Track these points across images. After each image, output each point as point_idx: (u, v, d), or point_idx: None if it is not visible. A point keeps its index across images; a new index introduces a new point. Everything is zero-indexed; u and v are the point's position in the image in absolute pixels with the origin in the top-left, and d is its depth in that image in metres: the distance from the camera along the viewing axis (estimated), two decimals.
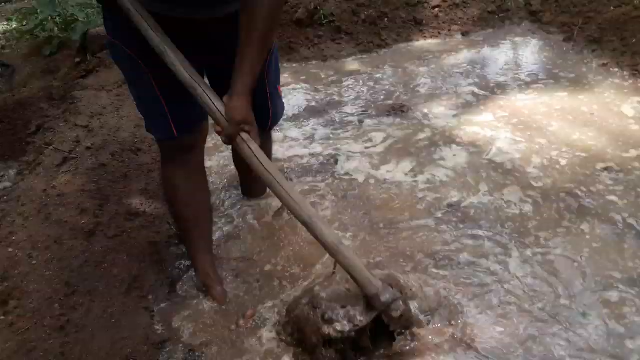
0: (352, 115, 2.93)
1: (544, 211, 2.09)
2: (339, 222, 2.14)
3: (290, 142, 2.71)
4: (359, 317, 1.49)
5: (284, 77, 3.49)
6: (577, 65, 3.28)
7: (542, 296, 1.73)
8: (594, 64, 3.25)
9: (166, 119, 1.62)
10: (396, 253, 1.94)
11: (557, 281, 1.78)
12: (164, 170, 1.83)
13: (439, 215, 2.12)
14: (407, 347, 1.56)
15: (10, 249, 1.90)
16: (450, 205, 2.17)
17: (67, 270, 1.80)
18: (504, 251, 1.93)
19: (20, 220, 2.06)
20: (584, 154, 2.40)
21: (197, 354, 1.69)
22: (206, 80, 1.58)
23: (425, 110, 2.92)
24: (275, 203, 2.25)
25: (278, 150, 2.58)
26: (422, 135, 2.67)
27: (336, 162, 2.52)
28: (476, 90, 3.10)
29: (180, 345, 1.71)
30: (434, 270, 1.85)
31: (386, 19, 3.89)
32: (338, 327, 1.48)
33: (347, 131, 2.78)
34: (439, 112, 2.90)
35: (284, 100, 1.98)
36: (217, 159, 2.64)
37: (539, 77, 3.17)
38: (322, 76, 3.48)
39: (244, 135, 1.45)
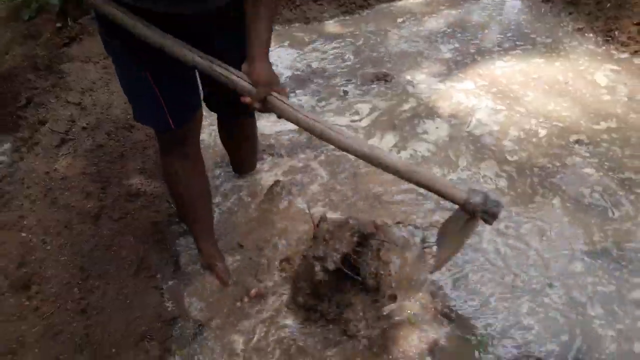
0: (337, 85, 3.02)
1: (518, 186, 2.27)
2: (331, 195, 2.29)
3: (275, 121, 2.80)
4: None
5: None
6: (554, 28, 3.38)
7: (511, 268, 1.94)
8: (569, 27, 3.35)
9: (163, 111, 1.65)
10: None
11: (526, 254, 1.99)
12: (162, 159, 1.90)
13: (421, 190, 2.28)
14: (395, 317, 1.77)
15: (23, 234, 2.03)
16: None
17: (79, 254, 1.94)
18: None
19: (27, 204, 2.17)
20: (558, 125, 2.56)
21: (206, 328, 1.88)
22: None
23: (408, 78, 3.02)
24: (265, 179, 2.39)
25: (265, 125, 2.67)
26: (406, 106, 2.79)
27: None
28: (457, 56, 3.20)
29: (191, 321, 1.89)
30: None
31: None
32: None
33: (332, 103, 2.87)
34: (422, 79, 3.00)
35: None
36: (209, 132, 2.73)
37: (517, 43, 3.27)
38: (306, 40, 3.51)
39: (274, 94, 1.48)
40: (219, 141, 2.51)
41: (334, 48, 3.39)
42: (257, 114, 2.19)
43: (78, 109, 2.64)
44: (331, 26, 3.64)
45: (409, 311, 1.76)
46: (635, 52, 2.95)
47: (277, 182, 2.37)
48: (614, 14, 3.18)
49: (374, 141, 2.56)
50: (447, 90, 2.88)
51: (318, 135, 1.52)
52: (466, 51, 3.24)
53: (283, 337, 1.80)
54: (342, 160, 2.45)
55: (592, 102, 2.68)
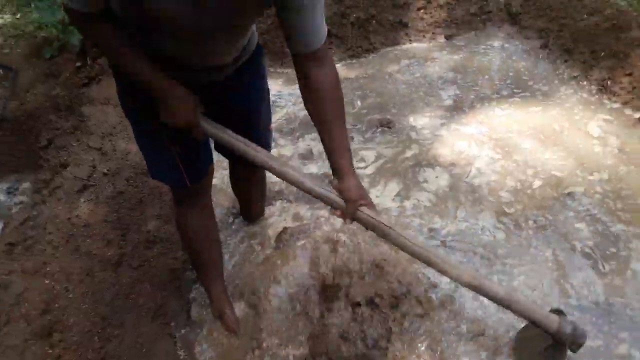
0: None
1: (513, 238, 2.39)
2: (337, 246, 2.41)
3: (286, 161, 2.95)
4: None
5: (278, 84, 3.70)
6: (550, 76, 3.52)
7: (503, 321, 2.06)
8: (565, 75, 3.49)
9: (179, 170, 1.75)
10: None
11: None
12: (176, 212, 2.01)
13: (422, 239, 2.42)
14: None
15: (47, 281, 2.17)
16: (431, 230, 2.46)
17: (101, 303, 2.07)
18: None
19: (50, 250, 2.31)
20: (553, 175, 2.69)
21: None
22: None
23: (411, 124, 3.17)
24: (273, 228, 2.52)
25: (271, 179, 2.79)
26: (408, 153, 2.93)
27: (331, 183, 2.77)
28: (457, 102, 3.35)
29: None
30: None
31: (374, 21, 4.05)
32: None
33: None
34: (423, 126, 3.15)
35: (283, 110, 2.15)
36: (221, 176, 2.86)
37: (515, 90, 3.41)
38: None
39: (363, 208, 1.57)
40: (229, 185, 2.65)
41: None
42: None
43: (99, 154, 2.79)
44: (339, 70, 3.75)
45: None
46: (626, 102, 3.09)
47: (285, 230, 2.50)
48: (607, 64, 3.33)
49: (378, 189, 2.70)
50: (447, 138, 3.02)
51: (411, 253, 1.65)
52: (466, 97, 3.39)
53: None
54: None
55: (585, 154, 2.81)
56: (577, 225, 2.43)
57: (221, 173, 2.88)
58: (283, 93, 3.63)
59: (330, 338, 2.02)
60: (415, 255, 1.66)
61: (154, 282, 2.23)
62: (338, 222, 2.46)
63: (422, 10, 4.18)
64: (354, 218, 1.58)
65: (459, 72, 3.66)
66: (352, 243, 2.34)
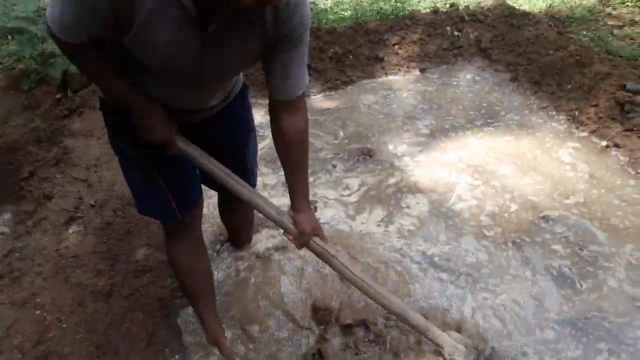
0: (325, 159, 3.26)
1: (495, 259, 2.50)
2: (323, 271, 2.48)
3: (270, 190, 3.00)
4: None
5: (261, 115, 3.78)
6: (520, 106, 3.72)
7: (489, 337, 2.14)
8: (535, 105, 3.70)
9: (169, 204, 1.77)
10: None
11: (502, 323, 2.20)
12: (167, 245, 1.99)
13: (408, 262, 2.50)
14: None
15: (37, 312, 2.16)
16: (418, 251, 2.55)
17: (94, 332, 2.07)
18: (462, 294, 2.33)
19: (39, 281, 2.30)
20: (529, 200, 2.83)
21: None
22: None
23: (391, 153, 3.28)
24: (261, 254, 2.56)
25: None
26: (390, 181, 3.03)
27: (315, 209, 2.84)
28: (434, 132, 3.49)
29: None
30: None
31: (351, 56, 4.21)
32: None
33: (322, 177, 3.09)
34: (403, 154, 3.27)
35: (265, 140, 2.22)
36: (207, 204, 2.90)
37: (488, 120, 3.58)
38: None
39: (315, 238, 1.75)
40: (217, 213, 2.68)
41: (322, 122, 3.65)
42: None
43: (85, 185, 2.80)
44: (318, 101, 3.91)
45: None
46: (593, 131, 3.28)
47: (272, 256, 2.55)
48: (574, 95, 3.54)
49: (364, 216, 2.78)
50: (427, 166, 3.14)
51: (349, 281, 1.86)
52: (442, 127, 3.54)
53: None
54: (334, 234, 2.66)
55: (559, 179, 2.96)
56: (554, 246, 2.56)
57: (207, 201, 2.92)
58: (264, 123, 3.71)
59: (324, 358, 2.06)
60: (354, 284, 1.87)
61: (145, 310, 2.24)
62: None
63: (396, 46, 4.37)
64: (306, 246, 1.77)
65: (434, 103, 3.82)
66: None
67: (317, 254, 1.80)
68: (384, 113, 3.74)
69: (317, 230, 1.75)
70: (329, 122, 3.64)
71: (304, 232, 1.70)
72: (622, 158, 3.08)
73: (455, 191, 2.92)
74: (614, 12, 5.08)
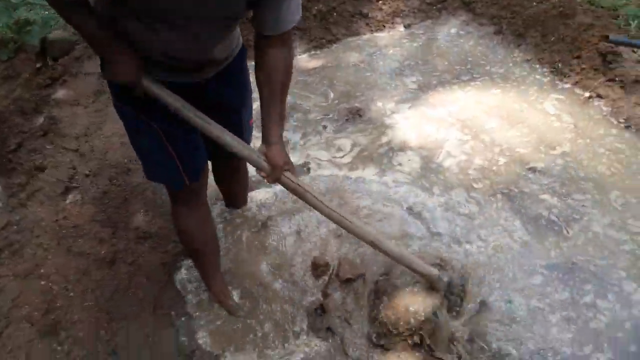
0: (315, 120, 3.27)
1: (485, 210, 2.58)
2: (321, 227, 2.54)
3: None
4: None
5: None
6: (505, 59, 3.74)
7: (480, 283, 2.24)
8: (519, 59, 3.72)
9: (178, 170, 1.78)
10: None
11: (492, 271, 2.31)
12: (175, 212, 2.02)
13: (406, 216, 2.57)
14: None
15: (42, 282, 2.19)
16: (415, 203, 2.64)
17: (102, 299, 2.12)
18: (458, 245, 2.43)
19: (41, 252, 2.33)
20: (517, 152, 2.90)
21: (221, 358, 2.09)
22: None
23: (380, 111, 3.31)
24: (259, 214, 2.61)
25: (253, 171, 2.86)
26: (381, 140, 3.07)
27: (308, 170, 2.88)
28: (422, 88, 3.51)
29: (207, 354, 2.10)
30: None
31: (335, 14, 4.16)
32: None
33: (314, 139, 3.12)
34: (393, 112, 3.29)
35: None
36: None
37: (474, 75, 3.61)
38: None
39: (287, 173, 1.73)
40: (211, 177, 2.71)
41: (309, 82, 3.65)
42: None
43: (77, 155, 2.79)
44: (304, 61, 3.89)
45: None
46: (576, 82, 3.34)
47: (270, 217, 2.60)
48: (557, 47, 3.58)
49: (357, 173, 2.84)
50: (416, 123, 3.18)
51: (324, 214, 1.85)
52: (429, 83, 3.56)
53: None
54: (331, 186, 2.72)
55: (545, 130, 3.03)
56: (542, 196, 2.64)
57: None
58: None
59: (327, 312, 2.15)
60: (328, 217, 1.87)
61: (149, 275, 2.29)
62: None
63: (380, 1, 4.33)
64: (277, 181, 1.74)
65: (420, 59, 3.83)
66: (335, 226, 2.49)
67: (291, 190, 1.79)
68: (371, 71, 3.75)
69: (288, 165, 1.73)
70: (316, 82, 3.64)
71: (276, 166, 1.69)
72: (604, 108, 3.15)
73: (444, 147, 2.98)
74: None
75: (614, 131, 2.98)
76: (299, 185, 1.77)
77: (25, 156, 2.96)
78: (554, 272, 2.31)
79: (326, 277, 2.33)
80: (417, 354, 1.99)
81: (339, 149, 3.02)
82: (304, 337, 2.14)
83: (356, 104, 3.37)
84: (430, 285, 2.05)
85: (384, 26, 4.23)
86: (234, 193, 2.61)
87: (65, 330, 1.99)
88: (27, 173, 2.85)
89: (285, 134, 3.14)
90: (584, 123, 3.06)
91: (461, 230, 2.49)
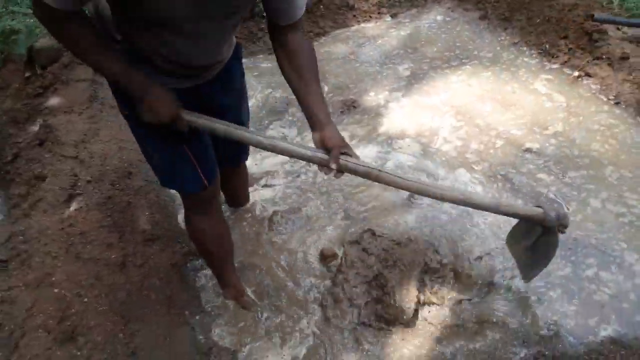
0: None
1: (488, 190, 2.64)
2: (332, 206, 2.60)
3: (262, 151, 3.02)
4: None
5: None
6: (492, 43, 3.80)
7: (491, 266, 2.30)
8: (506, 42, 3.78)
9: (196, 172, 1.75)
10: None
11: (496, 245, 2.38)
12: (192, 219, 1.99)
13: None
14: None
15: (55, 290, 2.19)
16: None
17: (116, 302, 2.13)
18: (469, 219, 2.49)
19: (50, 261, 2.32)
20: (512, 134, 2.95)
21: (239, 353, 2.12)
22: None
23: (374, 102, 3.34)
24: (263, 211, 2.63)
25: (252, 166, 2.88)
26: (379, 129, 3.11)
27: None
28: (413, 75, 3.55)
29: (224, 350, 2.12)
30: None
31: (322, 7, 4.18)
32: None
33: (309, 135, 3.12)
34: (387, 101, 3.33)
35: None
36: None
37: (463, 60, 3.66)
38: (274, 71, 3.76)
39: (348, 157, 1.56)
40: None
41: None
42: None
43: (77, 162, 2.78)
44: None
45: None
46: (564, 62, 3.40)
47: (275, 212, 2.63)
48: (543, 28, 3.63)
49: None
50: (411, 110, 3.22)
51: (405, 188, 1.69)
52: (421, 70, 3.60)
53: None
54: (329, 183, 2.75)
55: (537, 111, 3.09)
56: (539, 175, 2.70)
57: None
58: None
59: (341, 302, 2.19)
60: (409, 189, 1.71)
61: (161, 276, 2.30)
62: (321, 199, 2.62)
63: None
64: (341, 168, 1.55)
65: (409, 47, 3.87)
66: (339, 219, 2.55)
67: (359, 173, 1.59)
68: (361, 62, 3.77)
69: (346, 147, 1.58)
70: None
71: (334, 146, 1.53)
72: (593, 86, 3.22)
73: (440, 134, 3.02)
74: None
75: (604, 108, 3.05)
76: (368, 167, 1.59)
77: (23, 166, 2.95)
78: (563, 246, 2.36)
79: (335, 267, 2.36)
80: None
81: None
82: (318, 326, 2.17)
83: (350, 96, 3.40)
84: (542, 225, 1.89)
85: (371, 17, 4.26)
86: (236, 190, 2.62)
87: (82, 336, 1.99)
88: (27, 183, 2.84)
89: (280, 129, 3.19)
90: (575, 102, 3.12)
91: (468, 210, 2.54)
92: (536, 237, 1.97)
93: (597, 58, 3.27)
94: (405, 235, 2.32)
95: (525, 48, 3.65)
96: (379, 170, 1.61)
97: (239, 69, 1.88)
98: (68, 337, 2.01)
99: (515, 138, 2.93)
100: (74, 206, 2.54)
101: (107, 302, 2.13)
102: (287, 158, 2.96)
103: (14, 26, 3.90)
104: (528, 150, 2.85)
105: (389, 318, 2.13)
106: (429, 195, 1.73)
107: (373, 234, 2.33)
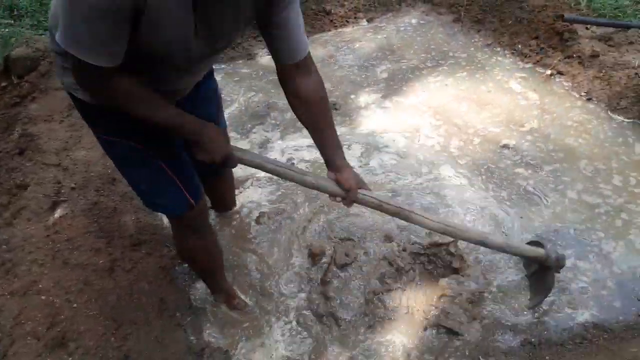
0: (293, 118, 3.28)
1: (474, 183, 2.72)
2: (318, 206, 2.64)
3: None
4: None
5: (218, 80, 3.78)
6: (466, 45, 3.90)
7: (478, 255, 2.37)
8: (480, 44, 3.89)
9: (181, 192, 1.70)
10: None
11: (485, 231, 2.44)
12: (180, 237, 1.96)
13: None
14: None
15: (43, 297, 2.17)
16: (401, 186, 2.75)
17: (106, 307, 2.12)
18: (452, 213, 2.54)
19: (36, 268, 2.30)
20: (489, 131, 3.04)
21: (232, 352, 2.13)
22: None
23: (356, 103, 3.40)
24: (250, 214, 2.65)
25: (237, 171, 2.89)
26: (362, 129, 3.16)
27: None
28: (391, 77, 3.62)
29: (217, 350, 2.13)
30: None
31: None
32: None
33: (293, 135, 3.17)
34: (367, 103, 3.39)
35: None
36: None
37: (439, 61, 3.75)
38: (253, 75, 3.79)
39: (362, 190, 1.71)
40: None
41: None
42: None
43: (60, 169, 2.76)
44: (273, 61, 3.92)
45: None
46: (537, 61, 3.52)
47: (262, 214, 2.65)
48: (515, 30, 3.75)
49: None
50: (391, 111, 3.29)
51: (413, 222, 1.84)
52: (399, 72, 3.67)
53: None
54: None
55: (513, 108, 3.19)
56: (517, 170, 2.79)
57: None
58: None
59: (329, 298, 2.22)
60: (419, 223, 1.85)
61: (150, 280, 2.29)
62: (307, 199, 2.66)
63: None
64: (355, 202, 1.72)
65: (386, 50, 3.94)
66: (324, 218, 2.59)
67: (368, 204, 1.77)
68: (340, 65, 3.83)
69: (361, 184, 1.72)
70: None
71: (350, 189, 1.66)
72: (565, 84, 3.34)
73: (422, 132, 3.09)
74: None
75: (577, 104, 3.16)
76: (378, 199, 1.76)
77: (4, 175, 2.90)
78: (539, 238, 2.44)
79: (324, 265, 2.39)
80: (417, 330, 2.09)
81: None
82: (309, 324, 2.20)
83: (331, 98, 3.44)
84: (542, 265, 2.07)
85: (348, 21, 4.33)
86: (223, 195, 2.62)
87: (73, 341, 1.97)
88: (8, 192, 2.80)
89: (263, 132, 3.22)
90: (549, 99, 3.23)
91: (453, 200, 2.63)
92: (534, 270, 2.15)
93: (568, 57, 3.39)
94: (392, 232, 2.37)
95: (498, 49, 3.76)
96: (386, 203, 1.77)
97: (210, 80, 1.87)
98: (58, 343, 1.99)
99: (492, 135, 3.02)
100: (58, 213, 2.52)
101: (97, 307, 2.11)
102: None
103: None
104: (505, 146, 2.93)
105: (381, 315, 2.17)
106: (451, 236, 1.93)
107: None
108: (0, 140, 3.20)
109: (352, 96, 3.46)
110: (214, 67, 1.84)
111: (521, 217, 2.53)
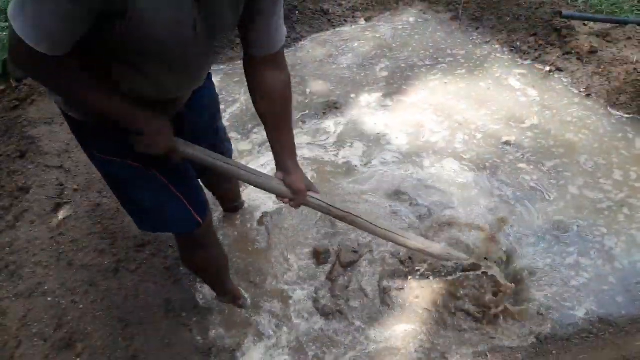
0: (294, 118, 3.34)
1: (479, 179, 2.74)
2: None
3: (246, 156, 3.04)
4: None
5: (217, 81, 3.78)
6: (465, 43, 3.91)
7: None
8: (478, 41, 3.89)
9: (187, 209, 1.64)
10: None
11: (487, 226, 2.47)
12: (188, 257, 1.94)
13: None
14: None
15: (49, 298, 2.18)
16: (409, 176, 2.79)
17: (113, 308, 2.12)
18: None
19: (41, 270, 2.30)
20: (490, 128, 3.05)
21: (238, 352, 2.13)
22: None
23: (356, 102, 3.40)
24: (255, 214, 2.66)
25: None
26: (363, 126, 3.17)
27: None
28: (392, 76, 3.63)
29: (223, 349, 2.14)
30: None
31: (297, 12, 4.24)
32: None
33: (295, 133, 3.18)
34: (369, 101, 3.40)
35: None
36: None
37: (438, 59, 3.75)
38: None
39: (310, 194, 1.70)
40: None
41: None
42: None
43: (62, 172, 2.76)
44: None
45: None
46: (536, 58, 3.53)
47: (265, 214, 2.66)
48: (513, 27, 3.76)
49: (345, 152, 2.94)
50: (392, 109, 3.29)
51: (353, 224, 1.90)
52: (398, 70, 3.68)
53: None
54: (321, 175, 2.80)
55: (513, 105, 3.20)
56: (520, 165, 2.80)
57: None
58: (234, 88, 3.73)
59: (335, 297, 2.23)
60: (358, 226, 1.92)
61: (155, 280, 2.30)
62: None
63: None
64: (304, 204, 1.73)
65: (385, 49, 3.95)
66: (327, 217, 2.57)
67: (316, 208, 1.79)
68: (339, 64, 3.84)
69: (311, 187, 1.71)
70: (293, 81, 3.68)
71: (299, 192, 1.65)
72: (565, 80, 3.35)
73: (426, 127, 3.10)
74: None
75: (576, 100, 3.18)
76: (324, 203, 1.77)
77: (5, 179, 2.90)
78: (545, 236, 2.47)
79: (328, 264, 2.40)
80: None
81: (325, 132, 3.13)
82: (314, 323, 2.21)
83: (332, 98, 3.45)
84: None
85: (346, 21, 4.33)
86: (231, 197, 2.61)
87: (81, 342, 1.98)
88: (10, 195, 2.79)
89: (263, 133, 3.19)
90: (548, 95, 3.24)
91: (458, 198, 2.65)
92: None
93: (567, 53, 3.41)
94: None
95: (497, 46, 3.77)
96: (331, 206, 1.80)
97: (208, 82, 1.80)
98: (66, 344, 2.00)
99: (493, 132, 3.03)
100: (62, 215, 2.52)
101: (104, 308, 2.12)
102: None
103: None
104: (507, 143, 2.95)
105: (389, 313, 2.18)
106: (380, 236, 2.00)
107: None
108: (0, 144, 3.19)
109: (353, 95, 3.47)
110: (214, 67, 1.82)
111: (529, 214, 2.55)
